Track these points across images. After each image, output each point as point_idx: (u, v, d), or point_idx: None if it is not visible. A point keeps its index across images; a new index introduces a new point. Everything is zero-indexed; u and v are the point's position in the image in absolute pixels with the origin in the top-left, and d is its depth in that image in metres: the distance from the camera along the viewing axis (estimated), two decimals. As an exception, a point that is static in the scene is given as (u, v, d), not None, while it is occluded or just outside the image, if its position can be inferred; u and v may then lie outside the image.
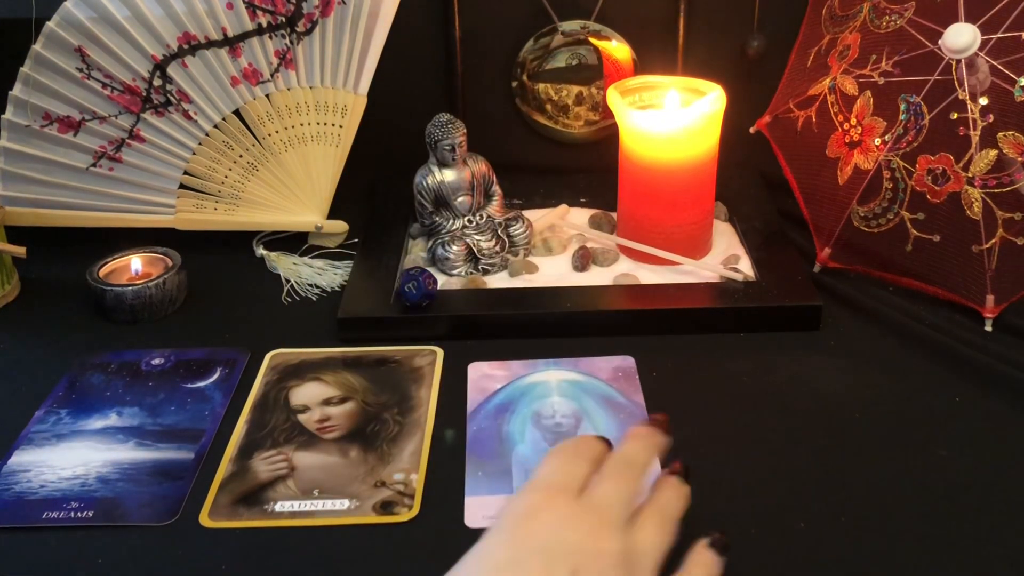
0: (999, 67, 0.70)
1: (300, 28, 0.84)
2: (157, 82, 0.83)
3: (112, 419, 0.67)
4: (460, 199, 0.83)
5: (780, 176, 0.85)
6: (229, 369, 0.72)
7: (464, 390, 0.69)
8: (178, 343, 0.76)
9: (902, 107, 0.74)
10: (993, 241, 0.72)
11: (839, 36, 0.81)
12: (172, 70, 0.82)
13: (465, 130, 0.81)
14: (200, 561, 0.56)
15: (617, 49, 0.93)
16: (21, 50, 0.80)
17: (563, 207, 0.90)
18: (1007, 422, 0.65)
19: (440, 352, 0.73)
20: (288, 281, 0.84)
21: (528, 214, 0.86)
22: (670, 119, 0.77)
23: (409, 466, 0.62)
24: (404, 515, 0.58)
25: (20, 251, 0.80)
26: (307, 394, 0.69)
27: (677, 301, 0.76)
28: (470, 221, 0.83)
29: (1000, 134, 0.70)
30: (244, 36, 0.83)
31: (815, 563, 0.54)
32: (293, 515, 0.59)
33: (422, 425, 0.66)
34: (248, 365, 0.73)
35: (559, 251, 0.85)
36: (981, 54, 0.71)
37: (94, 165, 0.84)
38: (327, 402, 0.68)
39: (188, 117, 0.84)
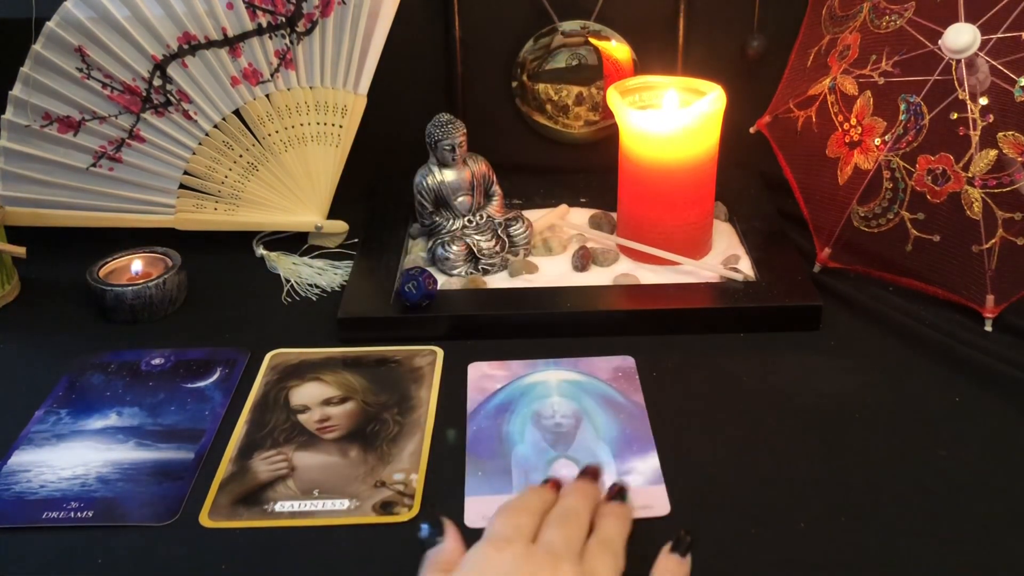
0: (999, 67, 0.70)
1: (300, 28, 0.84)
2: (157, 82, 0.83)
3: (112, 419, 0.67)
4: (460, 199, 0.83)
5: (780, 176, 0.85)
6: (229, 369, 0.72)
7: (464, 390, 0.69)
8: (178, 343, 0.76)
9: (902, 107, 0.74)
10: (993, 241, 0.72)
11: (839, 36, 0.81)
12: (172, 70, 0.82)
13: (465, 130, 0.81)
14: (200, 561, 0.56)
15: (617, 49, 0.93)
16: (21, 50, 0.80)
17: (563, 207, 0.90)
18: (1007, 422, 0.65)
19: (440, 352, 0.73)
20: (288, 281, 0.84)
21: (528, 214, 0.86)
22: (670, 119, 0.77)
23: (409, 466, 0.62)
24: (404, 515, 0.58)
25: (20, 251, 0.80)
26: (307, 394, 0.69)
27: (677, 301, 0.76)
28: (470, 221, 0.83)
29: (1000, 134, 0.70)
30: (244, 36, 0.83)
31: (815, 563, 0.54)
32: (293, 515, 0.59)
33: (422, 425, 0.66)
34: (248, 365, 0.73)
35: (559, 251, 0.85)
36: (981, 54, 0.71)
37: (94, 165, 0.84)
38: (327, 402, 0.68)
39: (188, 117, 0.84)
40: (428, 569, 0.50)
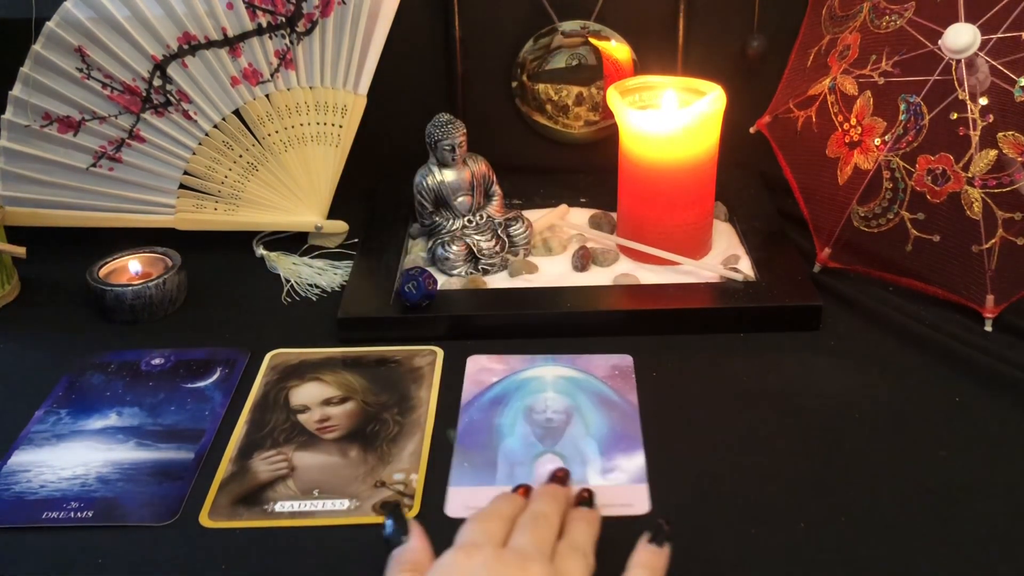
0: (999, 67, 0.70)
1: (300, 28, 0.84)
2: (157, 82, 0.83)
3: (112, 419, 0.67)
4: (460, 199, 0.83)
5: (780, 176, 0.85)
6: (229, 369, 0.72)
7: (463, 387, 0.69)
8: (178, 343, 0.76)
9: (902, 107, 0.74)
10: (993, 241, 0.72)
11: (839, 36, 0.81)
12: (172, 70, 0.82)
13: (465, 130, 0.81)
14: (200, 561, 0.56)
15: (617, 49, 0.93)
16: (21, 50, 0.80)
17: (563, 207, 0.90)
18: (1007, 422, 0.64)
19: (440, 352, 0.73)
20: (288, 281, 0.84)
21: (528, 214, 0.86)
22: (670, 119, 0.77)
23: (409, 466, 0.62)
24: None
25: (20, 251, 0.80)
26: (307, 394, 0.69)
27: (677, 301, 0.76)
28: (470, 221, 0.83)
29: (1000, 134, 0.70)
30: (244, 36, 0.83)
31: (815, 563, 0.54)
32: (293, 515, 0.59)
33: (422, 425, 0.66)
34: (248, 365, 0.73)
35: (559, 251, 0.85)
36: (981, 54, 0.71)
37: (94, 165, 0.84)
38: (327, 402, 0.68)
39: (188, 117, 0.84)
40: (394, 569, 0.50)
